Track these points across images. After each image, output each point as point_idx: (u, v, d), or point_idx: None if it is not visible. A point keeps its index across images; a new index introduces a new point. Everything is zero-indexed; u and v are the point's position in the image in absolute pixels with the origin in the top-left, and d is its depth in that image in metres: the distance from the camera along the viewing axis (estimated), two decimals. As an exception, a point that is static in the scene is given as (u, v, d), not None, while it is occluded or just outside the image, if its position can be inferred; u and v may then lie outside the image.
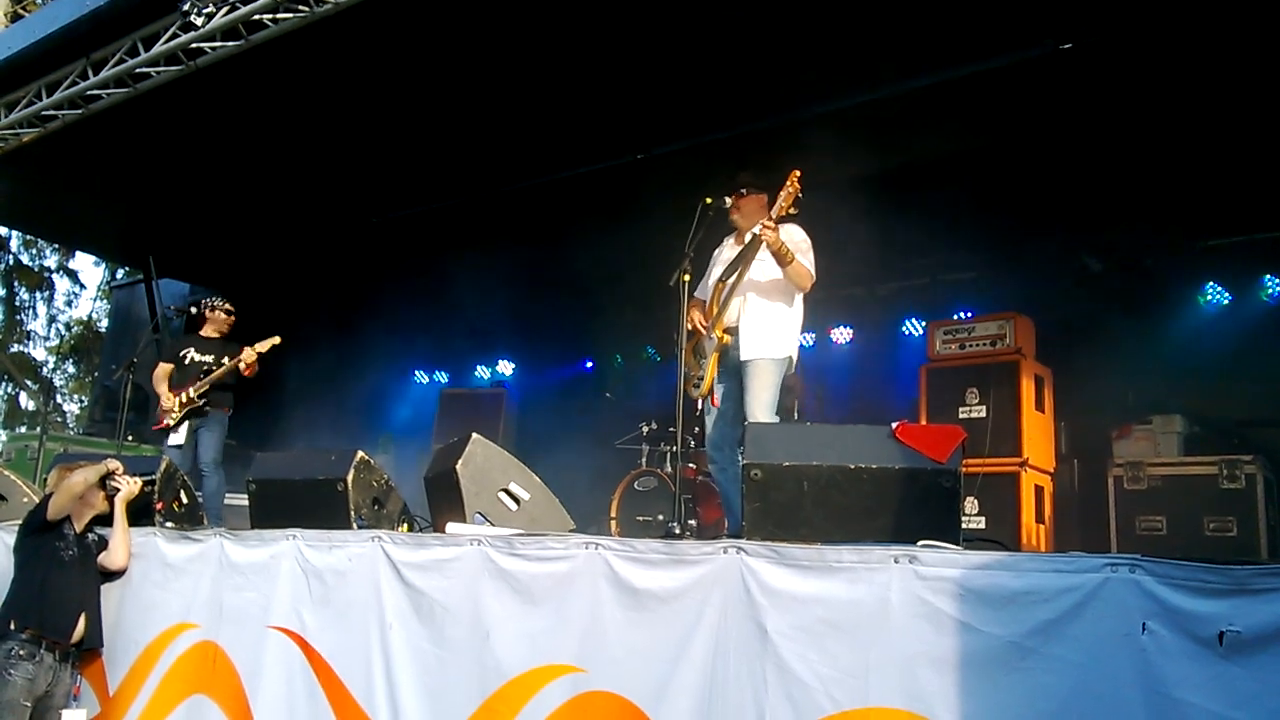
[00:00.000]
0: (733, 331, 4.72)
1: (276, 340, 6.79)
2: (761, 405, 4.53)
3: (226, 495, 6.98)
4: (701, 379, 4.74)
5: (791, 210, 4.58)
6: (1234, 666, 2.27)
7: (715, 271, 4.91)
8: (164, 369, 7.02)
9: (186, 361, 6.93)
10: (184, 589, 4.65)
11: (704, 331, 4.77)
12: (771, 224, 4.49)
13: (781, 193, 4.52)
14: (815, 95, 6.51)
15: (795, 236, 4.74)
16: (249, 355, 6.72)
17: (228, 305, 7.12)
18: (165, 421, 6.82)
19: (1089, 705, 2.44)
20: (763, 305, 4.72)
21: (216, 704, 4.30)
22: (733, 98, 6.54)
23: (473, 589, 3.66)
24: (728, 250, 4.96)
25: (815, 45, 5.94)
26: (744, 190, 4.81)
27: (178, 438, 6.75)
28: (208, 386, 6.74)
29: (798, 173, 4.50)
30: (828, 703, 2.81)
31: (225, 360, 6.78)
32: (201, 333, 7.10)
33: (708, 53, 6.05)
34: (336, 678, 3.97)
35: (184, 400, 6.76)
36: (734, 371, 4.72)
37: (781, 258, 4.56)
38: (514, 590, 3.57)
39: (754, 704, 2.95)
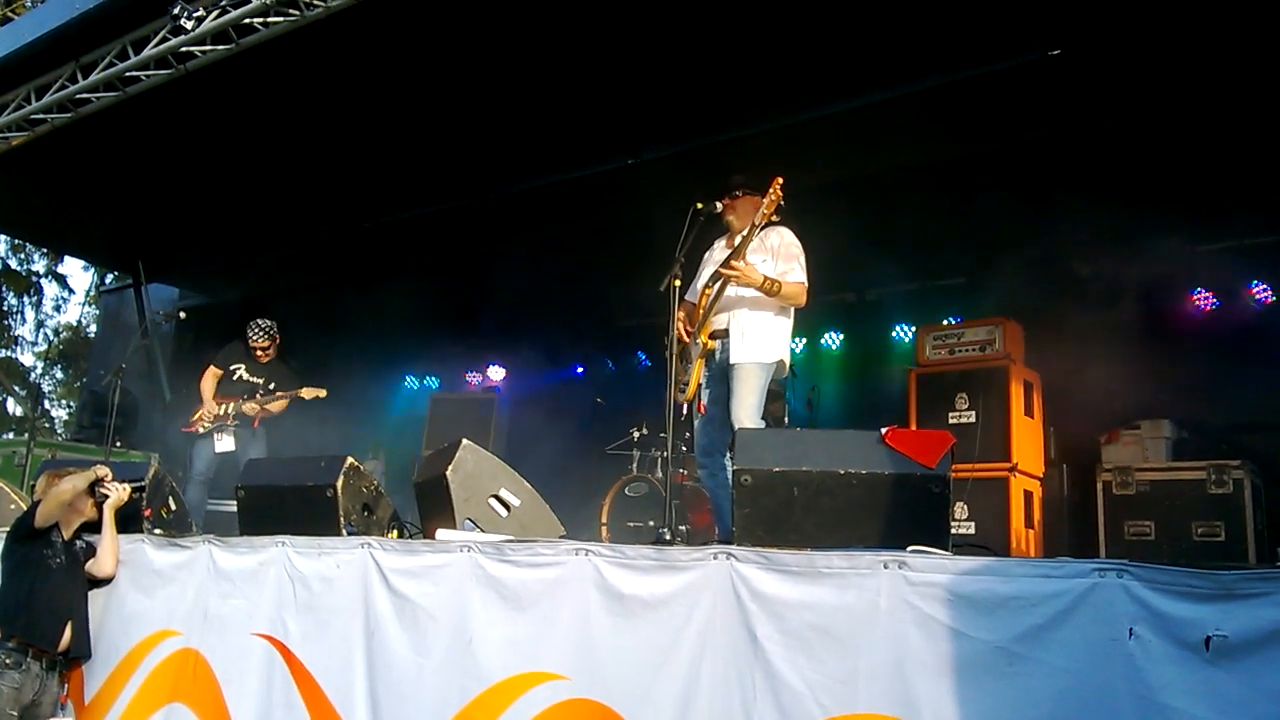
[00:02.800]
0: (720, 336, 4.71)
1: (322, 393, 7.00)
2: (746, 409, 4.51)
3: (214, 502, 6.99)
4: (687, 384, 4.73)
5: (774, 219, 4.58)
6: (1220, 671, 2.28)
7: (705, 274, 4.91)
8: (213, 374, 7.16)
9: (235, 378, 7.11)
10: (169, 596, 4.62)
11: (688, 337, 4.76)
12: (739, 267, 4.50)
13: (764, 200, 4.52)
14: (804, 101, 6.53)
15: (781, 241, 4.73)
16: (308, 393, 6.95)
17: (275, 332, 7.18)
18: (197, 428, 6.99)
19: (1076, 710, 2.45)
20: (752, 309, 4.70)
21: (194, 712, 4.28)
22: (722, 103, 6.55)
23: (460, 596, 3.65)
24: (718, 252, 4.96)
25: (804, 51, 5.96)
26: (738, 192, 4.81)
27: (225, 445, 6.92)
28: (254, 411, 6.94)
29: (780, 180, 4.49)
30: (816, 709, 2.81)
31: (273, 385, 7.03)
32: (250, 349, 7.16)
33: (697, 57, 6.06)
34: (316, 685, 3.95)
35: (220, 413, 6.95)
36: (721, 376, 4.71)
37: (768, 293, 4.57)
38: (501, 597, 3.55)
39: (742, 710, 2.95)
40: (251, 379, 7.08)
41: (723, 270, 4.57)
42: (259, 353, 7.11)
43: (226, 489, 6.76)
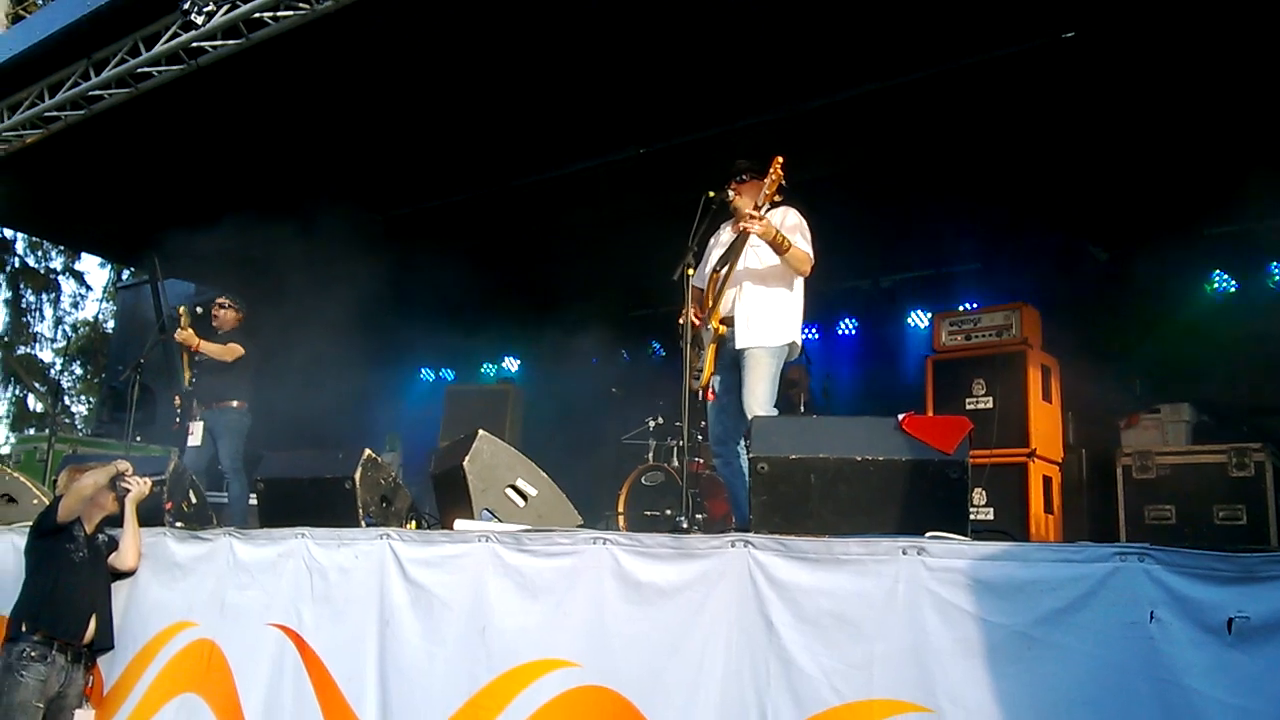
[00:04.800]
0: (728, 322, 4.70)
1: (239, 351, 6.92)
2: (757, 398, 4.48)
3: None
4: (700, 371, 4.71)
5: (776, 198, 4.57)
6: (1241, 654, 2.27)
7: (712, 258, 4.90)
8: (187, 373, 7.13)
9: (197, 359, 7.05)
10: (189, 588, 4.67)
11: (699, 323, 4.75)
12: (758, 215, 4.48)
13: (766, 180, 4.51)
14: (818, 88, 6.49)
15: (789, 220, 4.72)
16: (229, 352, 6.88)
17: (228, 302, 7.20)
18: (177, 422, 6.99)
19: (1096, 694, 2.44)
20: (759, 293, 4.68)
21: (206, 702, 4.32)
22: (734, 91, 6.52)
23: (477, 585, 3.66)
24: (725, 235, 4.95)
25: (818, 38, 5.92)
26: (744, 176, 4.80)
27: (194, 439, 6.87)
28: (184, 338, 6.87)
29: (780, 159, 4.48)
30: (831, 695, 2.81)
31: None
32: (212, 318, 7.19)
33: (708, 46, 6.03)
34: (328, 674, 3.98)
35: (186, 390, 6.94)
36: (732, 363, 4.69)
37: (777, 246, 4.54)
38: (518, 586, 3.57)
39: (755, 697, 2.95)
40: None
41: (747, 217, 4.50)
42: (217, 324, 7.12)
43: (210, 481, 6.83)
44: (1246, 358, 6.51)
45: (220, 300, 7.22)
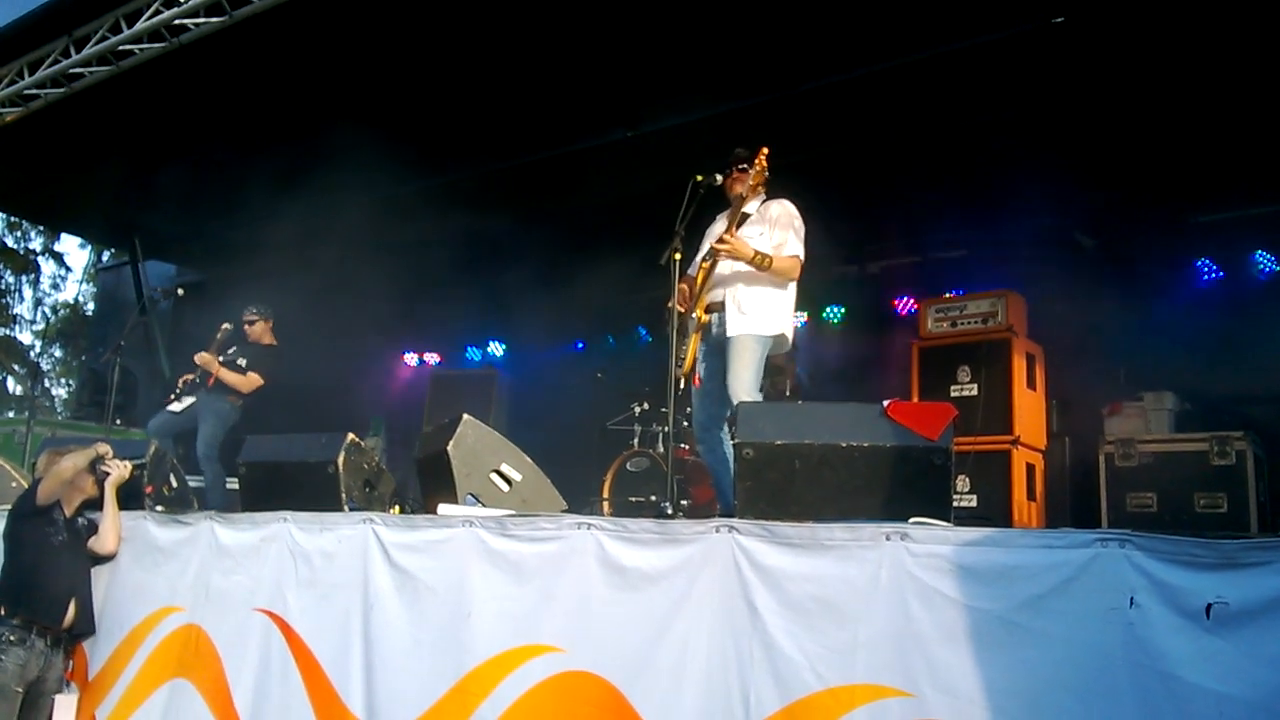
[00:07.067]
0: (716, 308, 4.69)
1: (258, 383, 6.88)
2: (742, 384, 4.47)
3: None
4: (683, 359, 4.70)
5: (763, 189, 4.63)
6: (1219, 640, 2.29)
7: (704, 248, 4.88)
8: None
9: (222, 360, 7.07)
10: (172, 572, 4.65)
11: (685, 309, 4.73)
12: (730, 236, 4.50)
13: (751, 172, 4.54)
14: (806, 72, 6.46)
15: (786, 213, 4.70)
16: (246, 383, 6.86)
17: (256, 313, 7.20)
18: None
19: (1076, 678, 2.46)
20: (749, 282, 4.66)
21: (195, 687, 4.31)
22: (724, 74, 6.49)
23: (461, 570, 3.66)
24: (718, 226, 4.93)
25: (806, 22, 5.89)
26: (743, 165, 4.79)
27: (177, 405, 6.85)
28: (205, 362, 6.82)
29: (766, 150, 4.52)
30: (814, 679, 2.82)
31: (242, 361, 6.91)
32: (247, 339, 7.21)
33: (699, 27, 5.99)
34: (314, 659, 3.97)
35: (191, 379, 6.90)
36: (718, 350, 4.68)
37: (759, 268, 4.54)
38: (502, 571, 3.56)
39: (739, 681, 2.95)
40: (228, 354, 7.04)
41: (715, 245, 4.58)
42: (248, 333, 7.15)
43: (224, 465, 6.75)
44: (1230, 346, 6.54)
45: (249, 315, 7.18)
